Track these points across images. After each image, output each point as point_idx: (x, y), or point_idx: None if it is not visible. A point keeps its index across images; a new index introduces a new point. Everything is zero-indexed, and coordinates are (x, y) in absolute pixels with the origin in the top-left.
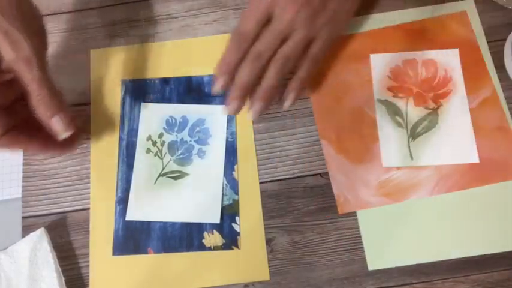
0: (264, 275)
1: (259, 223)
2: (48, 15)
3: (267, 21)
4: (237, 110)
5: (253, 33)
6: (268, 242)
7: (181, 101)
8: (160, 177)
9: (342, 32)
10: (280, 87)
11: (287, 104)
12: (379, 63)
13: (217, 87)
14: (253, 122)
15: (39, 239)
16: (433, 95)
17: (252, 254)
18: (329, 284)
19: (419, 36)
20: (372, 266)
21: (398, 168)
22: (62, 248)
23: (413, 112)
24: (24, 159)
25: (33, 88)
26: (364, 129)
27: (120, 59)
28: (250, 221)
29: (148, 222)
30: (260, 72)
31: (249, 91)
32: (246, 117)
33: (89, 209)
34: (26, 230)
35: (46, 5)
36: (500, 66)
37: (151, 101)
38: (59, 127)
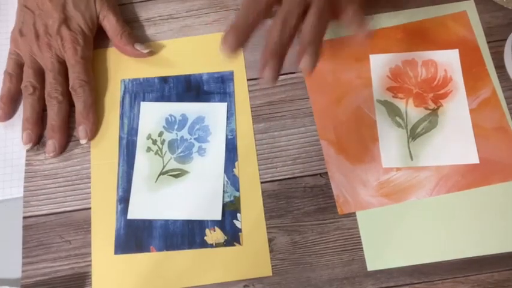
0: (266, 270)
1: (261, 219)
2: None
3: None
4: (274, 78)
5: None
6: (268, 242)
7: (180, 99)
8: (161, 176)
9: None
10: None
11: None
12: (379, 64)
13: (226, 48)
14: (253, 121)
15: None
16: (433, 95)
17: (255, 250)
18: (329, 284)
19: (419, 37)
20: (371, 266)
21: (398, 168)
22: (62, 248)
23: (413, 112)
24: (26, 160)
25: None
26: (364, 130)
27: (120, 58)
28: (252, 217)
29: (150, 221)
30: (293, 32)
31: (284, 54)
32: (245, 115)
33: (89, 208)
34: (27, 230)
35: None
36: (500, 67)
37: (151, 100)
38: None
